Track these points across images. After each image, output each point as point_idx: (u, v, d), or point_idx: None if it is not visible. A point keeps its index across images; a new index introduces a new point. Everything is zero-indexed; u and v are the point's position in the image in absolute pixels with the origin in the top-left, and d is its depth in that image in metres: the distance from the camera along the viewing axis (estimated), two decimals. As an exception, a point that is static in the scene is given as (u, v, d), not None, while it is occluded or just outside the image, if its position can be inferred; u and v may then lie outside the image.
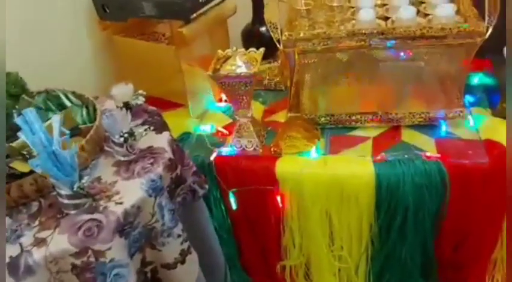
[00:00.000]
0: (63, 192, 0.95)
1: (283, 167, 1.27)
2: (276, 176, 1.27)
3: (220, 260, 1.40)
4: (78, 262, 0.91)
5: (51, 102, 1.23)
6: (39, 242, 0.91)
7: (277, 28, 1.23)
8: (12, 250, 0.89)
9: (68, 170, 0.93)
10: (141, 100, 1.19)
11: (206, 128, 1.46)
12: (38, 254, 0.89)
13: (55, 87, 1.25)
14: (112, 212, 0.96)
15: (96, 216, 0.95)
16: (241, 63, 1.25)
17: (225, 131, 1.43)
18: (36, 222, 0.96)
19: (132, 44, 1.48)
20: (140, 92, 1.21)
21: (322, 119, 1.36)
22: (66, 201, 0.95)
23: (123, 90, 1.18)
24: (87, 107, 1.22)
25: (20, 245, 0.91)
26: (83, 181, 0.96)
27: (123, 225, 0.96)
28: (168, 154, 1.11)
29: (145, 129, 1.17)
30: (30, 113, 0.91)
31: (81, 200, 0.96)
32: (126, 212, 0.97)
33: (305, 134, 1.32)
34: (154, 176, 1.04)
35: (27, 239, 0.92)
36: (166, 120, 1.43)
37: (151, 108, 1.27)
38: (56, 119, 0.92)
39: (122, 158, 1.08)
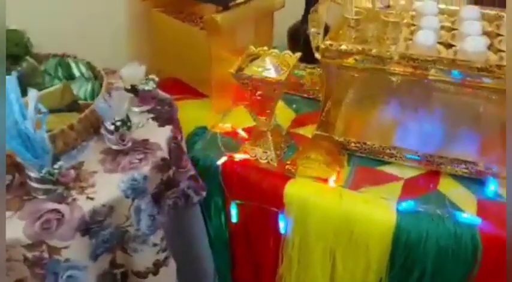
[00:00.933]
0: (32, 174, 0.85)
1: (294, 189, 1.12)
2: (283, 198, 1.12)
3: (209, 270, 1.28)
4: (29, 255, 0.82)
5: (62, 69, 1.14)
6: (-6, 223, 0.83)
7: (319, 33, 1.06)
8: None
9: (38, 152, 0.83)
10: (150, 86, 1.08)
11: (225, 127, 1.32)
12: (-14, 238, 0.81)
13: (76, 52, 1.17)
14: (79, 207, 0.86)
15: (61, 207, 0.86)
16: (270, 65, 1.10)
17: (243, 134, 1.29)
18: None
19: (167, 21, 1.37)
20: (152, 76, 1.09)
21: (352, 144, 1.19)
22: (34, 184, 0.86)
23: (134, 72, 1.07)
24: (96, 81, 1.13)
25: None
26: (56, 166, 0.86)
27: (88, 223, 0.86)
28: (162, 153, 0.99)
29: (147, 119, 1.06)
30: (9, 81, 0.81)
31: (50, 186, 0.87)
32: (94, 210, 0.86)
33: (327, 158, 1.15)
34: (137, 175, 0.93)
35: (-17, 217, 0.84)
36: (185, 109, 1.33)
37: (164, 96, 1.15)
38: (32, 95, 0.82)
39: (113, 146, 0.98)
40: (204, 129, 1.32)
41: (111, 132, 0.95)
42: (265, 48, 1.14)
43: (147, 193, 0.94)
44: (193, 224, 1.18)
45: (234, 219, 1.22)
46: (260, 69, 1.09)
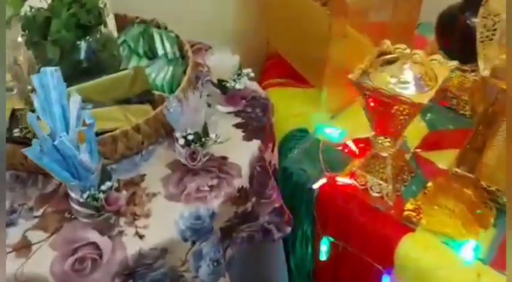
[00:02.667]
0: (72, 195, 0.67)
1: (411, 248, 0.83)
2: (394, 256, 0.84)
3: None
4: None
5: (144, 41, 0.93)
6: (23, 247, 0.67)
7: (491, 39, 0.71)
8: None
9: (80, 172, 0.63)
10: (242, 83, 0.82)
11: (333, 133, 1.03)
12: (10, 267, 0.64)
13: (168, 19, 0.95)
14: (123, 247, 0.66)
15: (101, 241, 0.67)
16: (410, 76, 0.77)
17: (354, 149, 1.00)
18: (40, 211, 0.71)
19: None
20: (247, 71, 0.83)
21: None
22: (75, 206, 0.68)
23: (224, 62, 0.82)
24: (180, 65, 0.90)
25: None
26: (103, 188, 0.66)
27: (131, 268, 0.66)
28: (241, 181, 0.75)
29: (230, 126, 0.81)
30: (50, 75, 0.61)
31: (94, 212, 0.68)
32: (140, 253, 0.66)
33: (466, 212, 0.83)
34: (203, 211, 0.70)
35: (15, 233, 0.68)
36: (284, 101, 1.07)
37: (260, 95, 0.89)
38: (75, 100, 0.61)
39: (182, 160, 0.75)
40: (303, 132, 1.05)
41: (181, 146, 0.73)
42: (405, 48, 0.81)
43: (212, 233, 0.72)
44: (271, 255, 0.95)
45: (322, 257, 0.96)
46: (393, 81, 0.78)
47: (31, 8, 0.79)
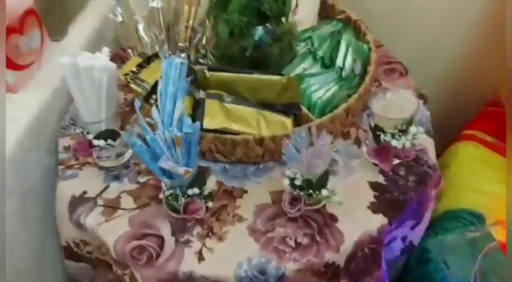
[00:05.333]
0: (162, 185, 0.65)
1: None
2: None
3: None
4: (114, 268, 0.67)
5: (329, 45, 0.81)
6: (110, 207, 0.69)
7: None
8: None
9: (171, 173, 0.60)
10: (401, 143, 0.65)
11: None
12: (91, 220, 0.68)
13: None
14: (179, 258, 0.63)
15: (168, 240, 0.64)
16: None
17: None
18: (144, 179, 0.72)
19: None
20: (417, 130, 0.65)
21: None
22: (161, 194, 0.66)
23: (393, 104, 0.66)
24: (356, 81, 0.77)
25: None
26: (190, 192, 0.62)
27: (178, 281, 0.63)
28: (336, 256, 0.62)
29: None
30: (175, 67, 0.56)
31: (173, 210, 0.65)
32: (190, 275, 0.61)
33: None
34: (272, 269, 0.61)
35: (114, 189, 0.71)
36: (476, 164, 0.87)
37: (428, 161, 0.71)
38: (178, 107, 0.55)
39: (286, 207, 0.65)
40: (475, 219, 0.81)
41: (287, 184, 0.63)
42: None
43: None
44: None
45: None
46: None
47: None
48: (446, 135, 0.94)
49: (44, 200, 0.77)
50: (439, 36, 1.01)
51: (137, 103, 0.57)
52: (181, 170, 0.59)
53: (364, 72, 0.79)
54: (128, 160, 0.74)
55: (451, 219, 0.83)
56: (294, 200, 0.62)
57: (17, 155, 0.71)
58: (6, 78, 0.74)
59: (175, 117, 0.56)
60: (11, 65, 0.75)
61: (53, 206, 0.74)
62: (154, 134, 0.56)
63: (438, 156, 0.77)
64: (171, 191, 0.62)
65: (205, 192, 0.64)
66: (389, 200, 0.67)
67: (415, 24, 1.00)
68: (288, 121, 0.72)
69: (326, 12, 0.91)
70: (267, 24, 0.74)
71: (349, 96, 0.74)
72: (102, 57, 0.65)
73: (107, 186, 0.72)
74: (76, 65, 0.64)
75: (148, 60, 0.75)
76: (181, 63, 0.57)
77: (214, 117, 0.71)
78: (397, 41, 0.92)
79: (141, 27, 0.81)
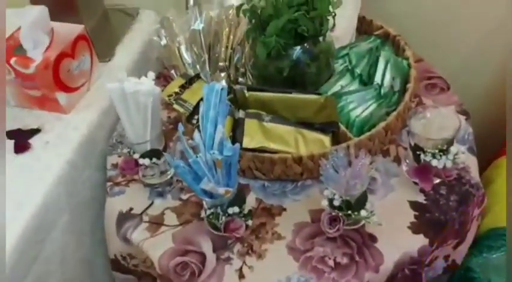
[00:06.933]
0: (204, 203, 0.67)
1: None
2: None
3: None
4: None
5: (367, 62, 0.82)
6: (155, 223, 0.72)
7: None
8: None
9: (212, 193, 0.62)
10: (442, 163, 0.64)
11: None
12: (137, 235, 0.71)
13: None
14: (220, 275, 0.65)
15: (210, 257, 0.67)
16: None
17: None
18: (186, 196, 0.74)
19: None
20: (459, 149, 0.65)
21: None
22: (203, 212, 0.68)
23: (434, 123, 0.65)
24: (395, 98, 0.76)
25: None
26: (230, 211, 0.64)
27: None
28: (376, 276, 0.62)
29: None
30: (216, 93, 0.59)
31: (211, 228, 0.67)
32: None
33: None
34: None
35: (158, 205, 0.74)
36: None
37: (471, 180, 0.70)
38: (219, 130, 0.57)
39: (325, 226, 0.66)
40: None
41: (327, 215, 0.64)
42: None
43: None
44: None
45: None
46: None
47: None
48: (491, 148, 0.92)
49: (95, 212, 0.81)
50: (483, 45, 0.98)
51: (180, 127, 0.59)
52: (221, 190, 0.61)
53: (404, 88, 0.79)
54: (171, 177, 0.77)
55: (496, 237, 0.80)
56: (333, 220, 0.63)
57: (69, 173, 0.76)
58: (58, 100, 0.80)
59: (217, 140, 0.58)
60: (63, 87, 0.80)
61: (102, 219, 0.79)
62: (197, 157, 0.59)
63: (483, 170, 0.75)
64: (212, 210, 0.65)
65: (245, 211, 0.66)
66: (430, 220, 0.66)
67: (456, 32, 0.98)
68: (326, 139, 0.73)
69: (364, 28, 0.91)
70: (305, 44, 0.75)
71: (388, 114, 0.74)
72: (147, 82, 0.68)
73: (152, 203, 0.75)
74: (123, 89, 0.67)
75: (190, 81, 0.78)
76: (222, 88, 0.60)
77: (253, 136, 0.73)
78: (437, 52, 0.91)
79: (183, 48, 0.84)
